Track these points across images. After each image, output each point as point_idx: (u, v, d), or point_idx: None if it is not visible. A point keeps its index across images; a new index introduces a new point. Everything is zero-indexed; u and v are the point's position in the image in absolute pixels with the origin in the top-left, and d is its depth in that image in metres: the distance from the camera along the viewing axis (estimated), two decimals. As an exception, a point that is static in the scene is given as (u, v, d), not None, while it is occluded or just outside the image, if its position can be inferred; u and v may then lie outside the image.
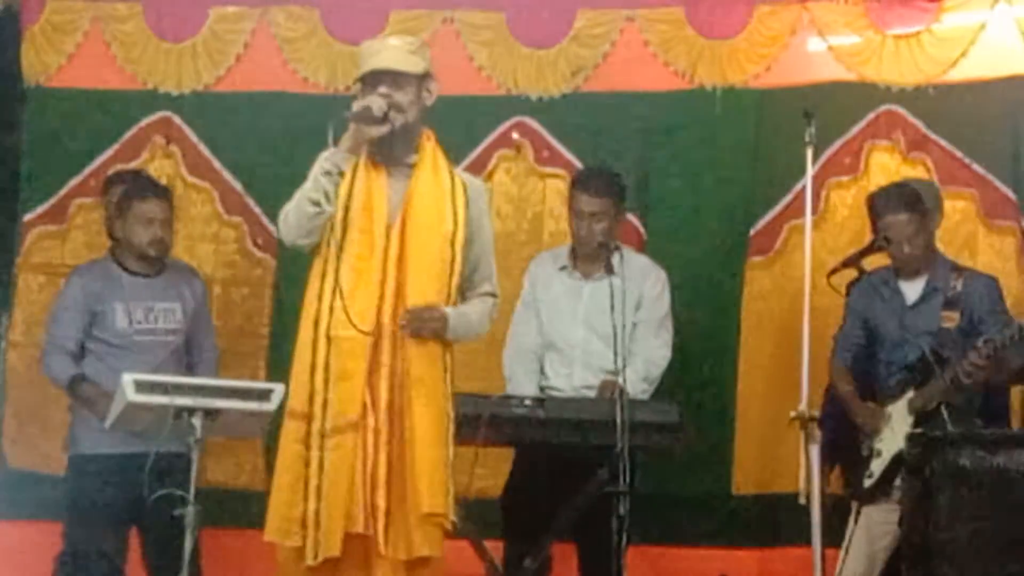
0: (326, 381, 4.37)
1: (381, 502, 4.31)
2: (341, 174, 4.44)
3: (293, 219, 4.47)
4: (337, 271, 4.40)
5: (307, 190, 4.43)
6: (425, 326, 4.43)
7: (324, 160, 4.43)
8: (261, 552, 5.50)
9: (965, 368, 5.24)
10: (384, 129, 4.45)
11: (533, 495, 5.54)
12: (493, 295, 4.70)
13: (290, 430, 4.42)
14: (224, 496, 6.06)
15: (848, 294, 5.76)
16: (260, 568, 5.89)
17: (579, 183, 5.76)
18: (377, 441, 4.34)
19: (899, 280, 5.59)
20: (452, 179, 4.59)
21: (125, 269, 5.71)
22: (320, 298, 4.42)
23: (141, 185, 5.84)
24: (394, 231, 4.46)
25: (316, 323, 4.41)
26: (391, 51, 4.55)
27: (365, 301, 4.39)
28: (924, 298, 5.52)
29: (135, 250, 5.67)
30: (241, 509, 5.91)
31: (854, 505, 5.45)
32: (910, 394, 5.40)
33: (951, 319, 5.39)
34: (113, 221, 5.82)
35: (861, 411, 5.51)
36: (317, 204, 4.41)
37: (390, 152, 4.52)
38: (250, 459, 6.27)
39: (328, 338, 4.38)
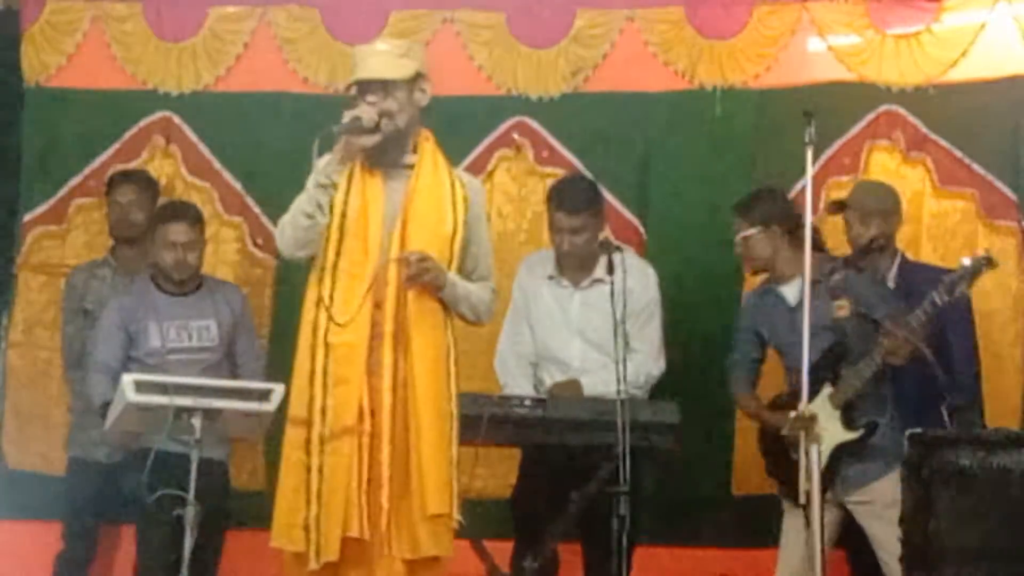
0: (324, 387, 4.39)
1: (385, 503, 4.32)
2: (334, 185, 4.45)
3: (289, 232, 4.49)
4: (334, 278, 4.41)
5: (301, 203, 4.46)
6: (426, 270, 4.41)
7: (318, 172, 4.44)
8: (259, 553, 5.53)
9: (889, 350, 5.24)
10: (375, 138, 4.48)
11: (539, 495, 5.54)
12: (493, 290, 4.72)
13: (292, 437, 4.44)
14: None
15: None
16: (257, 569, 5.92)
17: (554, 199, 5.70)
18: (379, 443, 4.35)
19: (778, 286, 5.61)
20: (451, 180, 4.60)
21: (160, 288, 5.75)
22: (318, 305, 4.43)
23: (167, 208, 5.94)
24: (395, 233, 4.47)
25: (315, 330, 4.43)
26: (378, 58, 4.57)
27: (363, 307, 4.40)
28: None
29: (162, 272, 5.74)
30: (239, 510, 5.90)
31: (790, 508, 5.46)
32: (828, 390, 5.38)
33: (843, 307, 5.34)
34: (148, 242, 5.85)
35: (779, 422, 5.47)
36: (311, 216, 4.44)
37: (384, 157, 4.54)
38: (249, 460, 6.27)
39: (326, 344, 4.40)
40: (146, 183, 6.24)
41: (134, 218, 6.10)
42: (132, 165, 6.49)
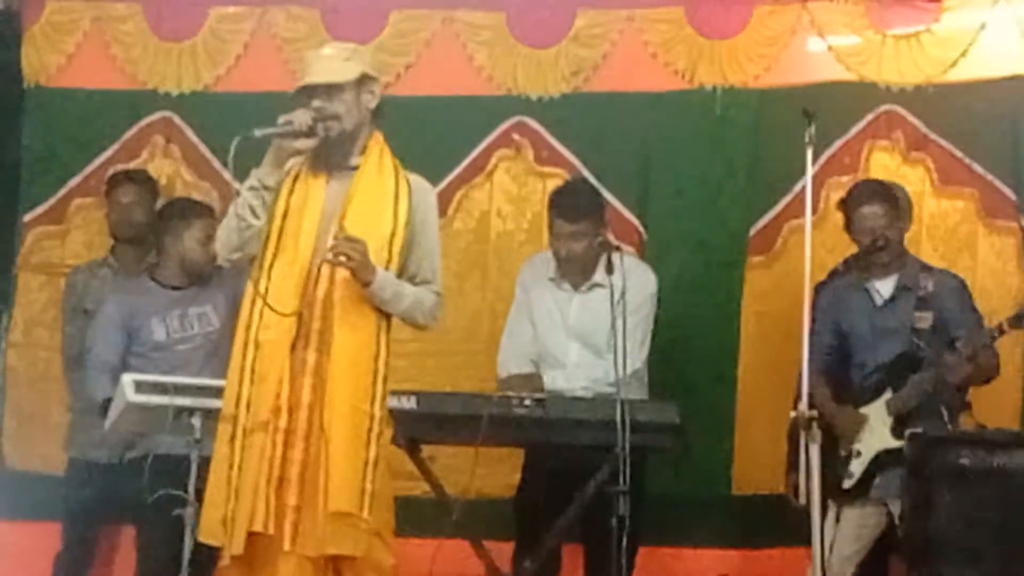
0: (251, 383, 4.39)
1: (292, 499, 4.32)
2: (267, 188, 4.46)
3: (223, 235, 4.51)
4: (269, 278, 4.42)
5: (236, 206, 4.47)
6: (351, 253, 4.36)
7: (251, 175, 4.46)
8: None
9: (950, 368, 5.25)
10: (311, 143, 4.46)
11: (541, 496, 5.55)
12: (437, 294, 4.67)
13: (220, 433, 4.44)
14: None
15: (816, 296, 5.72)
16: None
17: (553, 205, 5.71)
18: (291, 440, 4.35)
19: (869, 280, 5.59)
20: (397, 181, 4.58)
21: (158, 283, 5.75)
22: (252, 303, 4.43)
23: (191, 205, 5.94)
24: (331, 233, 4.46)
25: (247, 328, 4.43)
26: (322, 63, 4.56)
27: (291, 300, 4.39)
28: (894, 298, 5.53)
29: (190, 266, 5.74)
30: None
31: (832, 507, 5.45)
32: (887, 395, 5.39)
33: (924, 319, 5.36)
34: (161, 236, 5.83)
35: (838, 416, 5.47)
36: (243, 219, 4.45)
37: (330, 159, 4.53)
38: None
39: (256, 343, 4.40)
40: (146, 183, 6.24)
41: (135, 218, 6.10)
42: (132, 165, 6.48)
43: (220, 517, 4.35)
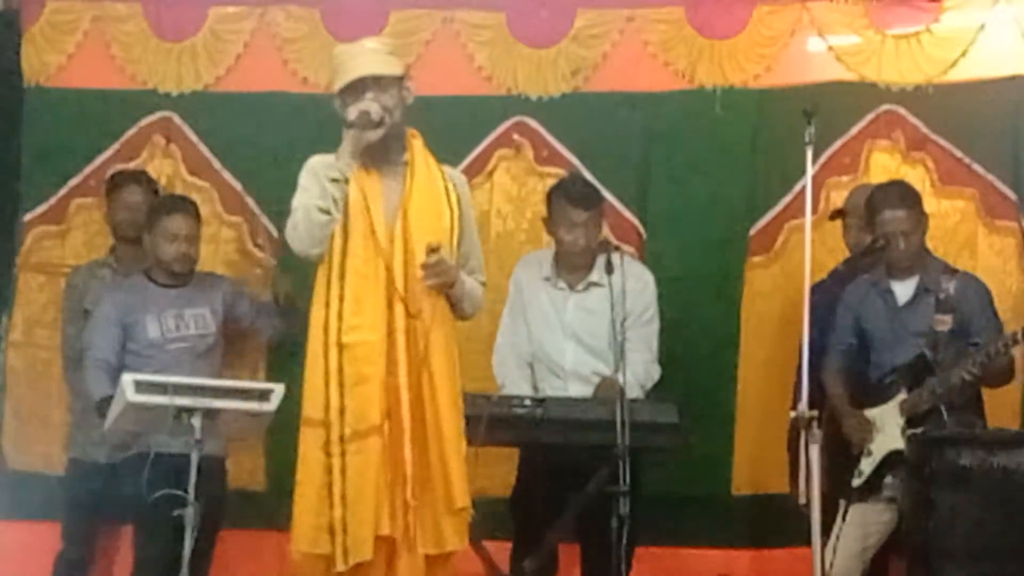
0: (341, 387, 4.37)
1: (411, 499, 4.34)
2: (347, 181, 4.45)
3: (304, 230, 4.46)
4: (343, 278, 4.41)
5: (315, 198, 4.42)
6: (440, 272, 4.44)
7: (330, 168, 4.43)
8: (258, 553, 5.51)
9: (963, 375, 5.24)
10: (380, 133, 4.50)
11: (538, 495, 5.55)
12: (483, 284, 4.75)
13: (309, 438, 4.41)
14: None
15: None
16: (256, 569, 5.92)
17: (561, 195, 5.73)
18: (402, 440, 4.35)
19: (890, 280, 5.59)
20: (443, 176, 4.62)
21: (154, 281, 5.76)
22: (328, 305, 4.42)
23: (168, 201, 5.97)
24: (396, 231, 4.47)
25: (325, 330, 4.41)
26: (372, 55, 4.59)
27: (375, 304, 4.39)
28: (915, 299, 5.51)
29: (162, 265, 5.75)
30: (238, 510, 5.91)
31: (842, 504, 5.45)
32: (902, 396, 5.39)
33: (944, 322, 5.35)
34: (148, 234, 5.85)
35: (848, 421, 5.48)
36: (327, 212, 4.42)
37: (383, 154, 4.55)
38: (250, 460, 6.26)
39: (339, 345, 4.38)
40: (147, 183, 6.25)
41: (135, 218, 6.10)
42: (132, 165, 6.48)
43: (325, 525, 4.32)
